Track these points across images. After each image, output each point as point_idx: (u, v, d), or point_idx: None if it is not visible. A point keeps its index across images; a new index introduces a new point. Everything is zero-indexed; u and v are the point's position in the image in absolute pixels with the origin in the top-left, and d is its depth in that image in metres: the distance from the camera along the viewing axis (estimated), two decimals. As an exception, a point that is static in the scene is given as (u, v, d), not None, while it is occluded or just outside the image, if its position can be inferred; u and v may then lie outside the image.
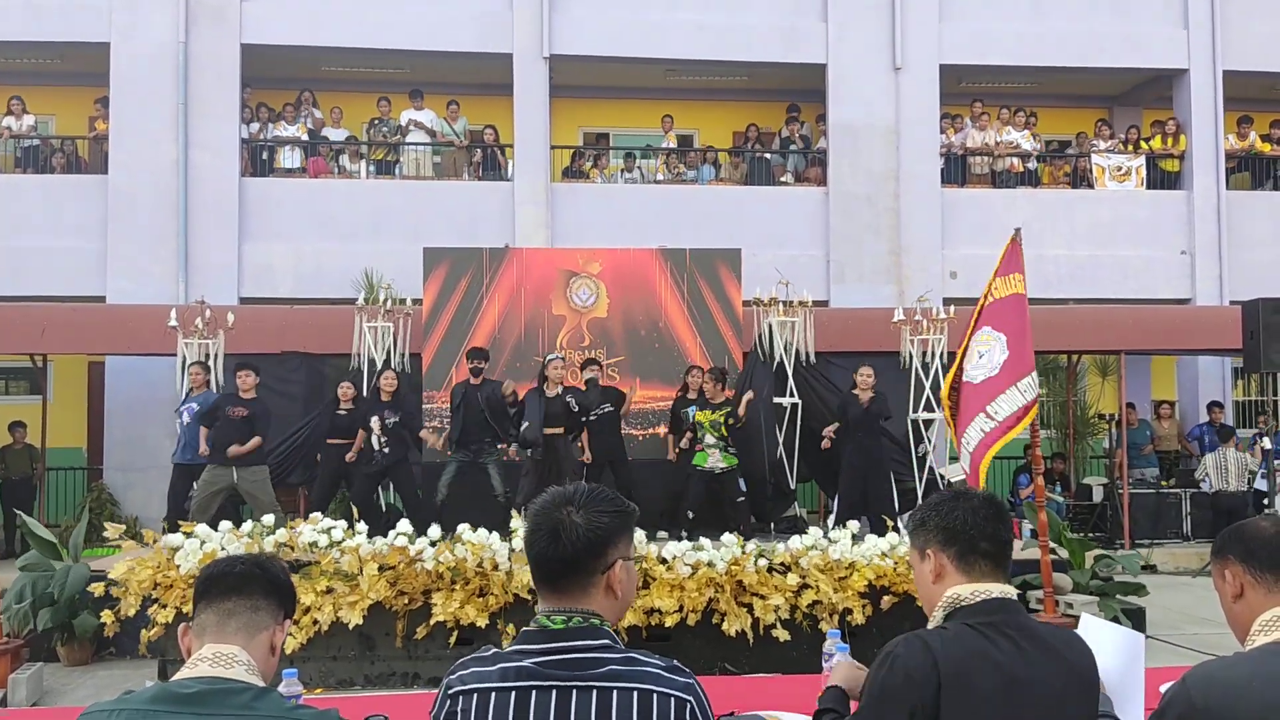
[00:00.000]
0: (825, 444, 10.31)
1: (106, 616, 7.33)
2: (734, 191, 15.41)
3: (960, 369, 7.57)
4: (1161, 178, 15.96)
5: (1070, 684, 2.11)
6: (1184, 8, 15.89)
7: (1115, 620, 8.04)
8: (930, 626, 2.17)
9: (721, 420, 9.86)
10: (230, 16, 14.41)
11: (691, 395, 10.21)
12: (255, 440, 9.61)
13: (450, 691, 2.01)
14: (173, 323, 10.68)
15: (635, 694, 1.93)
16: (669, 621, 7.07)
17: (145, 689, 1.94)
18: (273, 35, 14.58)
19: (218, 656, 1.93)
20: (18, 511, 10.59)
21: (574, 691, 1.94)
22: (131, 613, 7.35)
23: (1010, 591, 2.18)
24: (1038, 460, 8.17)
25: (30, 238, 13.77)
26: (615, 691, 1.94)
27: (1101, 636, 2.43)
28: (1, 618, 7.39)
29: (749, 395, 10.27)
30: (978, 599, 2.14)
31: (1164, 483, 13.42)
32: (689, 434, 10.08)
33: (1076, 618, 7.78)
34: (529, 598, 7.15)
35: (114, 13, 14.21)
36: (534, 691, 1.95)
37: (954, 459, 11.68)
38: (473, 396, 9.91)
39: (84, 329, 12.13)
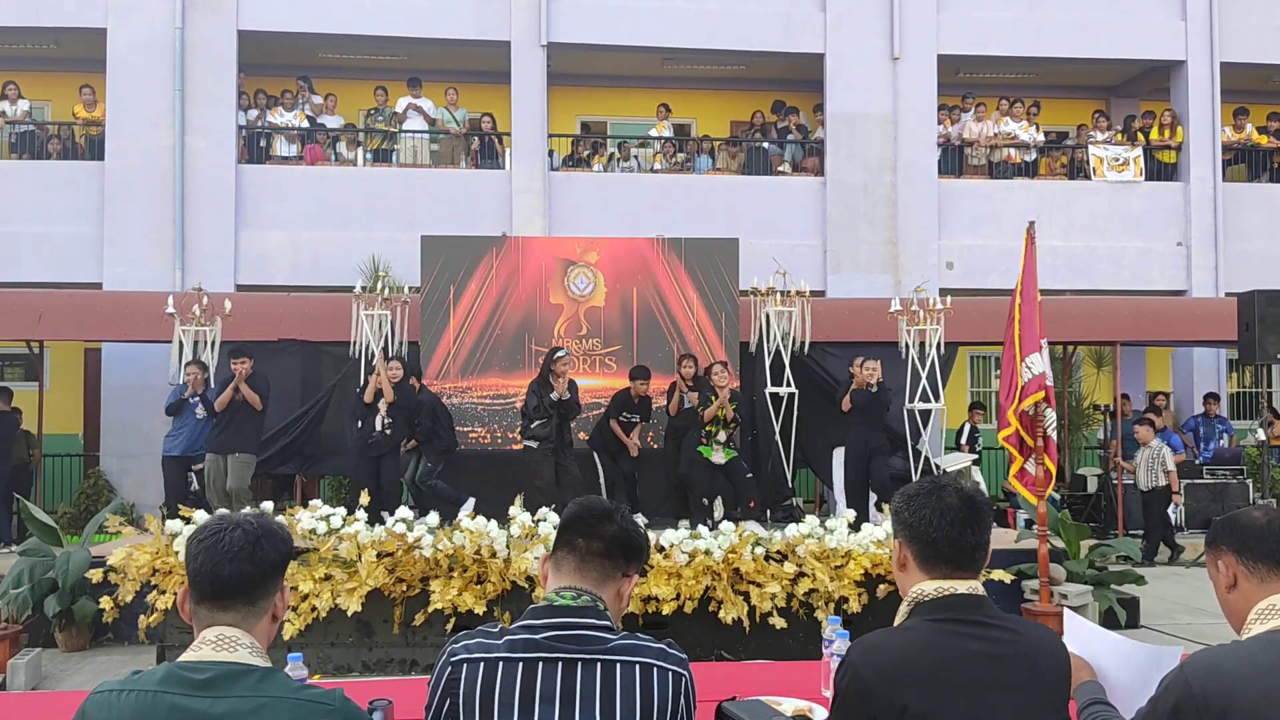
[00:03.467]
0: (845, 406, 10.28)
1: (106, 603, 7.35)
2: (731, 181, 15.40)
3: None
4: (1158, 169, 15.99)
5: (1035, 659, 2.11)
6: (1182, -1, 15.91)
7: (1110, 610, 8.09)
8: (896, 622, 2.19)
9: (731, 428, 9.97)
10: (227, 3, 14.37)
11: (689, 383, 10.22)
12: (255, 397, 9.91)
13: (454, 659, 2.06)
14: (170, 310, 10.67)
15: (637, 667, 2.04)
16: (666, 609, 7.10)
17: (154, 670, 1.95)
18: (269, 22, 14.54)
19: (221, 639, 1.93)
20: (17, 496, 10.59)
21: (579, 664, 2.03)
22: (129, 599, 7.38)
23: (977, 588, 2.17)
24: (1040, 451, 8.18)
25: (26, 224, 13.75)
26: (618, 665, 2.04)
27: (1126, 650, 2.43)
28: (0, 603, 7.40)
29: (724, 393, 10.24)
30: (941, 595, 2.15)
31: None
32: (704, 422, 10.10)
33: (1072, 608, 7.83)
34: (526, 585, 7.19)
35: (111, -2, 14.18)
36: (540, 663, 2.03)
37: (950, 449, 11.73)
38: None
39: (80, 315, 12.12)
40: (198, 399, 10.10)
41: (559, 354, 9.64)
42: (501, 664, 2.03)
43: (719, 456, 9.93)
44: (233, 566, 1.94)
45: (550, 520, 7.34)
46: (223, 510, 7.76)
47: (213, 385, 10.30)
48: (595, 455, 10.37)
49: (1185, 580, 10.70)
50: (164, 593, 7.19)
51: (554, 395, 9.49)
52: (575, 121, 16.89)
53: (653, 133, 15.91)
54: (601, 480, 10.30)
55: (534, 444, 9.59)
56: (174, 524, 7.40)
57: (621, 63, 16.10)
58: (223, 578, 1.94)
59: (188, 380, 10.19)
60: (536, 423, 9.52)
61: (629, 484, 10.29)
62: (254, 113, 14.94)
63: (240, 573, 1.94)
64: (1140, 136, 16.06)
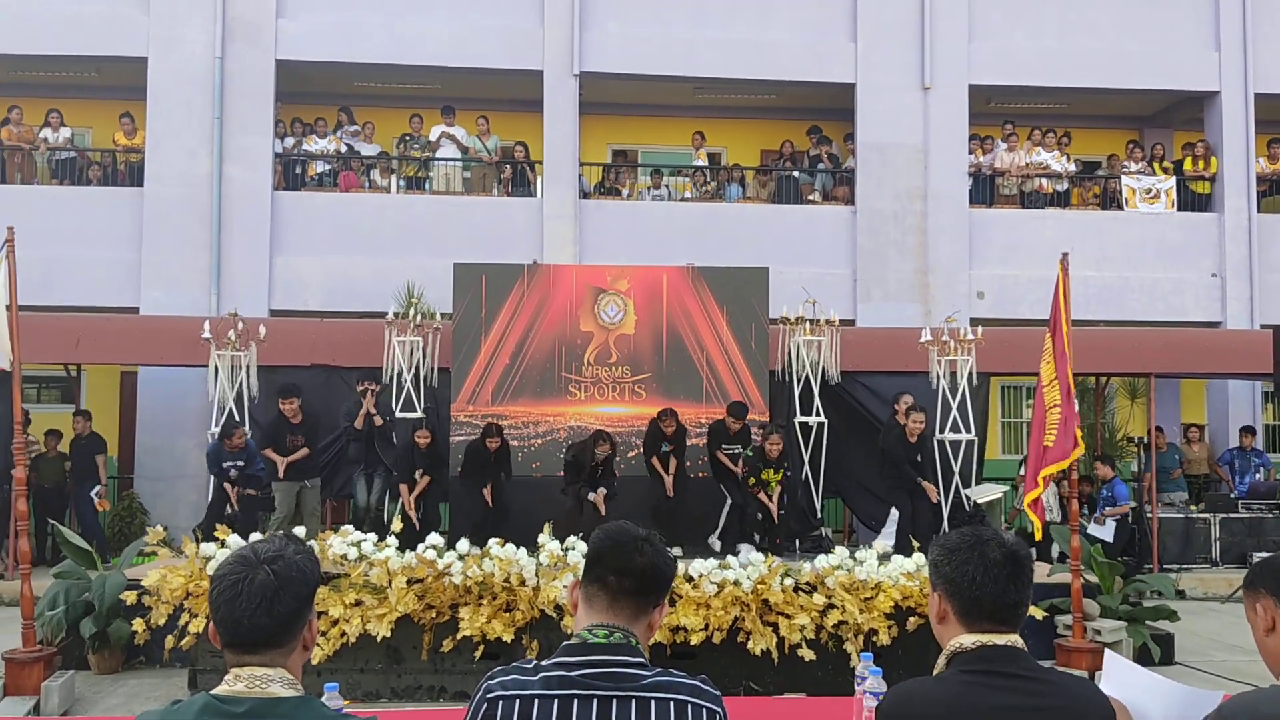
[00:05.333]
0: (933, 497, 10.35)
1: (138, 625, 7.41)
2: (761, 209, 15.44)
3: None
4: (1192, 200, 15.89)
5: (1073, 713, 2.06)
6: (1215, 29, 15.82)
7: (1144, 647, 8.00)
8: (934, 673, 2.17)
9: (780, 479, 10.11)
10: (266, 33, 14.60)
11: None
12: (304, 451, 10.35)
13: (489, 696, 2.08)
14: (206, 335, 10.81)
15: (671, 704, 2.05)
16: (695, 639, 7.08)
17: (192, 701, 1.97)
18: (307, 52, 14.75)
19: (253, 678, 1.95)
20: (51, 521, 10.71)
21: (614, 701, 2.04)
22: (162, 621, 7.44)
23: (1016, 641, 2.14)
24: (1073, 485, 8.12)
25: (66, 249, 13.94)
26: (653, 702, 2.05)
27: (1164, 691, 2.40)
28: (35, 625, 7.47)
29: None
30: (978, 647, 2.12)
31: (1193, 507, 13.31)
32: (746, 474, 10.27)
33: (1106, 644, 7.74)
34: (555, 614, 7.19)
35: (152, 28, 14.43)
36: (575, 700, 2.04)
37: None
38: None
39: (117, 339, 12.30)
40: (232, 465, 10.20)
41: (599, 444, 10.12)
42: (537, 701, 2.04)
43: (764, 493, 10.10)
44: (251, 621, 1.94)
45: (579, 549, 7.35)
46: (255, 536, 7.82)
47: (248, 425, 10.41)
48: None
49: (1221, 616, 10.56)
50: (196, 616, 7.24)
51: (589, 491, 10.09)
52: (606, 150, 16.99)
53: (696, 161, 15.96)
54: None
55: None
56: (208, 547, 7.47)
57: (653, 92, 16.21)
58: (242, 633, 1.95)
59: (227, 447, 10.26)
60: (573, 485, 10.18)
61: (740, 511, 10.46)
62: (290, 140, 15.14)
63: (259, 626, 1.95)
64: (1168, 166, 15.96)
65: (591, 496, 10.04)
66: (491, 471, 10.35)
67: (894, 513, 10.41)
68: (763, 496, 10.08)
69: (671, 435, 10.38)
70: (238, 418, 10.72)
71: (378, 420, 10.59)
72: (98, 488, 12.41)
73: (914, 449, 10.30)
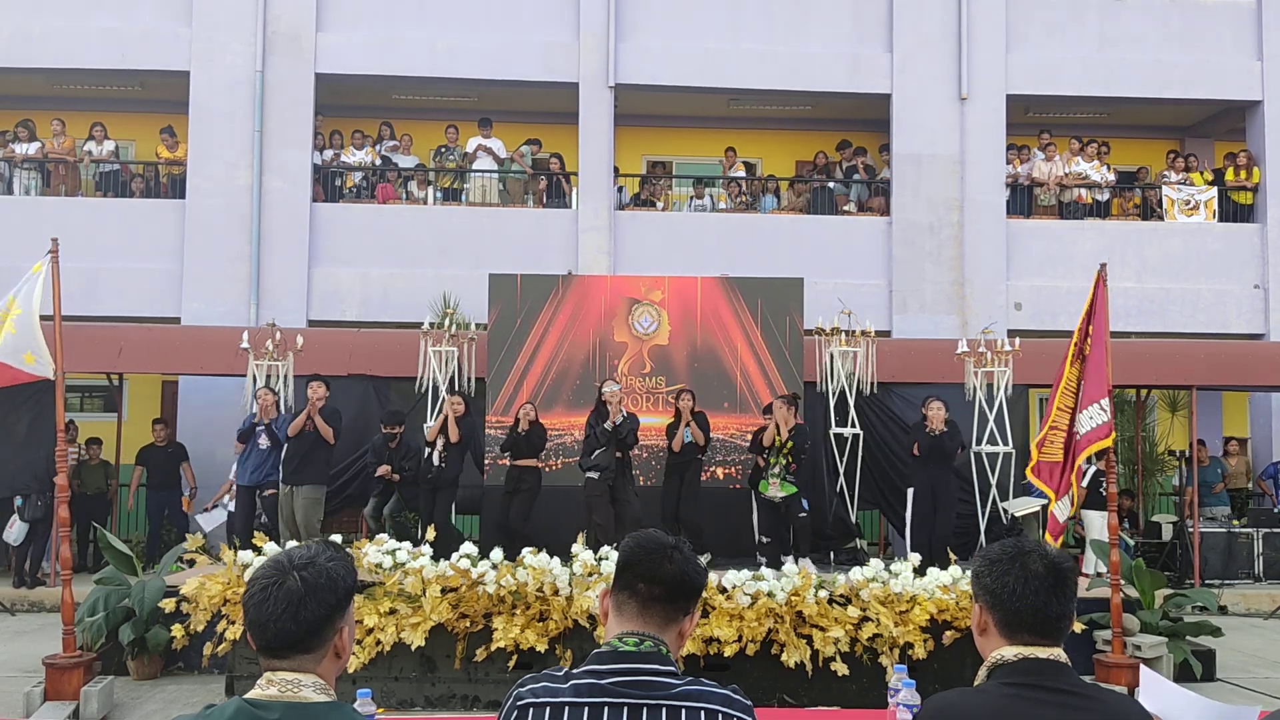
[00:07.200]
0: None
1: (176, 631, 7.50)
2: (796, 220, 15.40)
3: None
4: (1235, 210, 15.68)
5: None
6: (1258, 39, 15.63)
7: (1185, 663, 7.87)
8: (975, 684, 2.15)
9: (788, 449, 9.78)
10: (305, 47, 14.79)
11: (689, 419, 10.21)
12: (328, 430, 10.10)
13: (520, 703, 2.08)
14: (245, 345, 10.92)
15: (702, 713, 2.04)
16: (728, 651, 7.06)
17: (225, 706, 1.99)
18: (346, 65, 14.92)
19: (284, 682, 1.97)
20: (95, 525, 10.86)
21: (644, 709, 2.03)
22: (200, 628, 7.51)
23: (1058, 655, 2.11)
24: (1112, 498, 8.02)
25: (109, 260, 14.17)
26: (683, 710, 2.03)
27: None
28: (75, 631, 7.57)
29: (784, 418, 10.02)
30: (1019, 659, 2.10)
31: (1235, 522, 13.10)
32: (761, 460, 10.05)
33: (1146, 660, 7.63)
34: (588, 624, 7.19)
35: (194, 42, 14.66)
36: (606, 708, 2.04)
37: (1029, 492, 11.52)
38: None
39: (159, 349, 12.47)
40: (264, 428, 10.26)
41: (606, 388, 9.90)
42: (567, 708, 2.04)
43: (776, 491, 9.77)
44: (277, 626, 1.96)
45: (613, 559, 7.33)
46: (292, 543, 7.87)
47: (283, 413, 10.49)
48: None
49: (1263, 632, 10.38)
50: (233, 623, 7.31)
51: (606, 425, 9.68)
52: (641, 161, 17.03)
53: (734, 172, 15.95)
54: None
55: (594, 475, 9.69)
56: (245, 554, 7.54)
57: (688, 104, 16.25)
58: (270, 637, 1.98)
59: (259, 404, 10.35)
60: (597, 452, 9.70)
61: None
62: (330, 153, 15.31)
63: (285, 631, 1.97)
64: (1209, 176, 15.75)
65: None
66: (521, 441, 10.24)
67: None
68: (773, 487, 9.72)
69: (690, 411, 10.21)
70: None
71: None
72: (190, 488, 12.65)
73: (927, 438, 10.02)
